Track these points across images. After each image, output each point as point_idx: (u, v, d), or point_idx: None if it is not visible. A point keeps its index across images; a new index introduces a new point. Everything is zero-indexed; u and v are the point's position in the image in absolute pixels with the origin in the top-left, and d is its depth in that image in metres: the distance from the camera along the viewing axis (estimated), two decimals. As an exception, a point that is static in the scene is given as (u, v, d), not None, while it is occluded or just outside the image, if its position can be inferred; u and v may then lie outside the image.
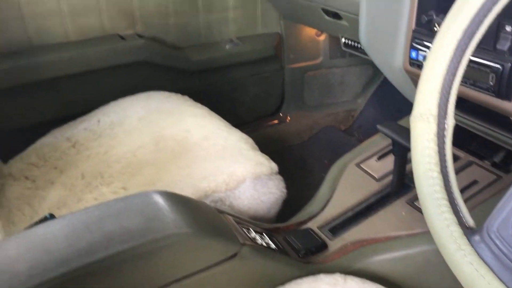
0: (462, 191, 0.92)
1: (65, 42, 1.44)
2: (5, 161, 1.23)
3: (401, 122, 0.97)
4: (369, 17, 1.00)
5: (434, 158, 0.53)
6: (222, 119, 1.29)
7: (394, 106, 1.70)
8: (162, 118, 1.27)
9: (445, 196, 0.52)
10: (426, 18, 0.90)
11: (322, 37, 1.81)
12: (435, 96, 0.53)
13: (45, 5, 1.37)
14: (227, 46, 1.67)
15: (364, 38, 1.02)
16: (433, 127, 0.53)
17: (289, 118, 1.91)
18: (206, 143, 1.14)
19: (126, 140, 1.21)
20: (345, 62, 1.88)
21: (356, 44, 1.45)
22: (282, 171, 1.10)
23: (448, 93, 0.53)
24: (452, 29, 0.52)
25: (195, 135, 1.18)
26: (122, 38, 1.49)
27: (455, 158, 1.02)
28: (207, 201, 0.97)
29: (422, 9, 0.91)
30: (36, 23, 1.38)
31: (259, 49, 1.73)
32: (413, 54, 0.95)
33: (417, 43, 0.94)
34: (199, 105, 1.37)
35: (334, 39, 1.77)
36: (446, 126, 0.53)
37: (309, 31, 1.78)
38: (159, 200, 0.71)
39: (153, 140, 1.19)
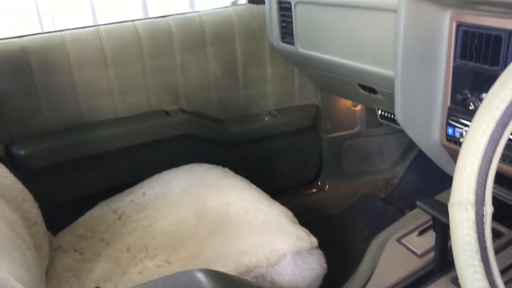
0: (506, 269, 0.90)
1: (114, 118, 1.53)
2: (55, 233, 1.29)
3: (441, 197, 0.97)
4: (404, 94, 1.03)
5: (474, 245, 0.53)
6: (261, 191, 1.32)
7: (433, 174, 1.69)
8: (203, 191, 1.31)
9: (487, 285, 0.52)
10: (460, 97, 0.93)
11: (359, 107, 1.85)
12: (472, 184, 0.54)
13: (98, 85, 1.48)
14: (266, 118, 1.73)
15: (400, 115, 1.05)
16: (471, 215, 0.54)
17: (327, 186, 1.92)
18: (247, 217, 1.16)
19: (170, 212, 1.26)
20: (382, 130, 1.91)
21: (392, 116, 1.48)
22: (322, 243, 1.11)
23: (485, 180, 0.54)
24: (485, 121, 0.54)
25: (235, 208, 1.21)
26: (166, 113, 1.58)
27: (498, 234, 1.01)
28: (249, 277, 0.99)
29: (456, 88, 0.94)
30: (88, 101, 1.49)
31: (297, 120, 1.78)
32: (450, 130, 0.97)
33: (453, 120, 0.96)
34: (239, 177, 1.41)
35: (370, 109, 1.81)
36: (484, 213, 0.54)
37: (346, 102, 1.83)
38: (204, 280, 0.73)
39: (195, 213, 1.23)
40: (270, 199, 1.26)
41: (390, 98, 1.14)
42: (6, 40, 1.40)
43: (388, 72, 1.12)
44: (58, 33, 1.44)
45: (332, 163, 1.91)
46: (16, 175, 1.16)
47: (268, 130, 1.73)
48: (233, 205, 1.22)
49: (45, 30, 1.78)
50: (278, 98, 1.77)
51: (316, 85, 1.78)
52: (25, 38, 1.41)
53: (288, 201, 1.37)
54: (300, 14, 1.43)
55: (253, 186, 1.35)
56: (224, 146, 1.68)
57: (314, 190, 1.91)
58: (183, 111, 1.61)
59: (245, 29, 1.63)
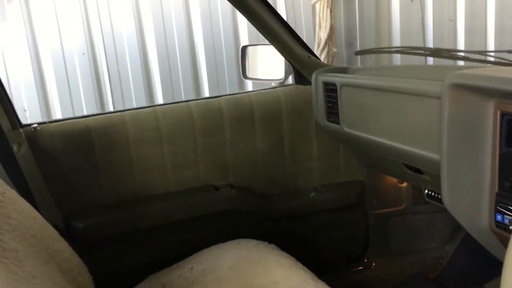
0: None
1: (166, 192, 1.60)
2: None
3: (490, 285, 0.95)
4: (450, 179, 1.04)
5: None
6: (307, 270, 1.32)
7: (484, 255, 1.64)
8: (250, 268, 1.33)
9: None
10: (508, 184, 0.93)
11: (405, 184, 1.84)
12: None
13: (153, 161, 1.57)
14: (312, 194, 1.75)
15: (447, 199, 1.05)
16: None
17: (374, 264, 1.89)
18: (294, 297, 1.17)
19: (217, 289, 1.27)
20: (430, 208, 1.88)
21: (439, 196, 1.47)
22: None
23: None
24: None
25: (282, 287, 1.21)
26: (216, 188, 1.64)
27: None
28: None
29: (504, 175, 0.95)
30: (143, 176, 1.57)
31: (343, 196, 1.79)
32: (499, 217, 0.97)
33: (501, 207, 0.96)
34: (285, 254, 1.42)
35: (417, 186, 1.80)
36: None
37: (392, 178, 1.84)
38: None
39: (242, 290, 1.24)
40: (316, 279, 1.26)
41: (436, 179, 1.15)
42: (71, 120, 1.53)
43: (433, 155, 1.14)
44: (119, 113, 1.56)
45: (379, 240, 1.88)
46: (73, 248, 1.23)
47: (314, 206, 1.75)
48: (279, 284, 1.23)
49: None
50: (324, 174, 1.80)
51: (362, 162, 1.80)
52: (89, 118, 1.54)
53: (334, 278, 1.36)
54: (345, 96, 1.49)
55: (299, 265, 1.35)
56: (270, 222, 1.70)
57: (361, 267, 1.88)
58: (232, 186, 1.67)
59: (292, 108, 1.71)
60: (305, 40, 1.70)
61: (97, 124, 1.52)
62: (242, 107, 1.66)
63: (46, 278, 1.06)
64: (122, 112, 1.57)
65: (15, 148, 1.39)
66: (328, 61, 3.11)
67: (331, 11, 3.10)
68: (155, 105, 1.63)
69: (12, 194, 1.10)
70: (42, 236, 1.12)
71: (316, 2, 3.10)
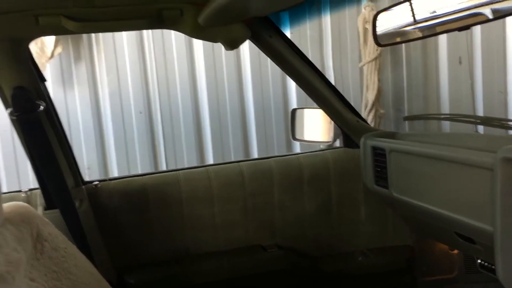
0: None
1: (215, 251, 1.63)
2: None
3: None
4: (505, 253, 1.02)
5: None
6: None
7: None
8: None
9: None
10: None
11: (456, 251, 1.80)
12: None
13: (203, 220, 1.62)
14: (359, 258, 1.74)
15: (502, 274, 1.03)
16: None
17: None
18: None
19: None
20: (484, 277, 1.81)
21: (494, 267, 1.43)
22: None
23: None
24: None
25: None
26: (263, 248, 1.66)
27: None
28: None
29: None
30: (194, 234, 1.62)
31: (391, 261, 1.77)
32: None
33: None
34: None
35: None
36: None
37: (442, 245, 1.80)
38: None
39: None
40: None
41: (490, 250, 1.13)
42: (129, 178, 1.62)
43: (486, 226, 1.12)
44: (174, 172, 1.64)
45: (429, 309, 1.82)
46: None
47: (361, 270, 1.73)
48: None
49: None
50: (372, 238, 1.79)
51: (411, 227, 1.78)
52: (146, 176, 1.62)
53: None
54: (394, 161, 1.51)
55: None
56: (317, 284, 1.69)
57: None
58: (279, 246, 1.68)
59: (340, 170, 1.73)
60: (352, 101, 1.75)
61: (152, 182, 1.60)
62: (291, 168, 1.70)
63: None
64: (177, 172, 1.64)
65: (77, 204, 1.48)
66: (375, 122, 3.14)
67: (378, 74, 3.16)
68: (208, 165, 1.70)
69: (73, 249, 1.17)
70: None
71: (364, 64, 3.18)
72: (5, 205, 1.05)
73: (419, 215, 1.51)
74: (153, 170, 2.95)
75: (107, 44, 2.84)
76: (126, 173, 2.90)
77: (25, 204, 1.14)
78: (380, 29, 1.41)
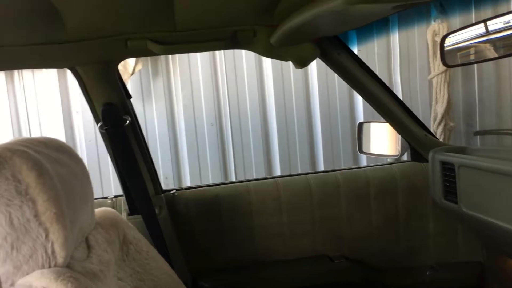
0: None
1: (283, 260, 1.70)
2: None
3: None
4: None
5: None
6: None
7: None
8: None
9: None
10: None
11: (531, 270, 1.74)
12: None
13: (272, 229, 1.69)
14: (428, 272, 1.73)
15: None
16: None
17: None
18: None
19: None
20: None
21: None
22: None
23: None
24: None
25: None
26: (330, 259, 1.70)
27: None
28: None
29: None
30: (263, 243, 1.69)
31: (461, 278, 1.75)
32: None
33: None
34: None
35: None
36: None
37: (516, 263, 1.75)
38: None
39: None
40: None
41: None
42: (204, 188, 1.72)
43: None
44: (244, 183, 1.73)
45: (501, 327, 1.78)
46: None
47: (429, 285, 1.73)
48: None
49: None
50: (441, 252, 1.78)
51: (482, 242, 1.75)
52: (219, 186, 1.72)
53: None
54: (464, 177, 1.50)
55: None
56: None
57: None
58: (346, 258, 1.72)
59: (408, 184, 1.74)
60: (420, 115, 1.76)
61: (225, 192, 1.70)
62: (358, 181, 1.73)
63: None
64: (247, 182, 1.73)
65: (157, 211, 1.60)
66: (444, 136, 3.08)
67: (448, 86, 3.11)
68: (276, 177, 1.77)
69: (154, 253, 1.28)
70: None
71: (433, 77, 3.14)
72: (96, 210, 1.18)
73: (489, 231, 1.50)
74: (223, 180, 3.08)
75: (182, 61, 3.01)
76: (198, 182, 3.05)
77: (113, 210, 1.27)
78: (448, 49, 1.43)
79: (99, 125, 1.50)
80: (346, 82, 1.62)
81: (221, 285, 1.64)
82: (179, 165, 3.08)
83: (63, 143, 1.06)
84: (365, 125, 1.98)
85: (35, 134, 2.94)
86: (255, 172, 3.11)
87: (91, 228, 1.08)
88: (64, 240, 0.85)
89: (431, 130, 2.19)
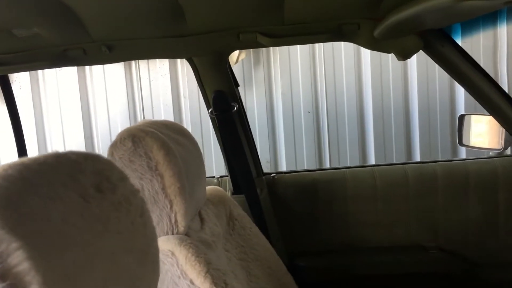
0: None
1: (377, 246, 1.75)
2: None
3: None
4: None
5: None
6: None
7: None
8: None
9: None
10: None
11: None
12: None
13: (367, 216, 1.74)
14: (528, 270, 1.69)
15: None
16: None
17: None
18: None
19: None
20: None
21: None
22: None
23: None
24: None
25: None
26: (425, 249, 1.72)
27: None
28: None
29: None
30: (357, 229, 1.75)
31: None
32: None
33: None
34: None
35: None
36: None
37: None
38: None
39: None
40: None
41: None
42: (301, 172, 1.82)
43: None
44: (341, 170, 1.79)
45: None
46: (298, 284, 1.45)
47: None
48: None
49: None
50: None
51: None
52: (316, 172, 1.80)
53: None
54: None
55: None
56: None
57: None
58: (441, 249, 1.72)
59: (510, 179, 1.70)
60: None
61: (321, 178, 1.77)
62: (457, 174, 1.72)
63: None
64: (344, 169, 1.79)
65: (258, 191, 1.72)
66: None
67: None
68: (373, 165, 1.81)
69: (256, 230, 1.40)
70: (276, 268, 1.37)
71: (546, 68, 2.94)
72: (206, 188, 1.31)
73: None
74: (318, 167, 3.15)
75: (282, 51, 3.11)
76: (293, 168, 3.15)
77: (221, 188, 1.40)
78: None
79: (209, 110, 1.63)
80: (448, 74, 1.61)
81: (316, 266, 1.72)
82: (276, 151, 3.20)
83: (181, 126, 1.21)
84: (466, 117, 1.95)
85: (149, 117, 3.23)
86: (350, 160, 3.14)
87: (203, 203, 1.22)
88: (185, 211, 0.98)
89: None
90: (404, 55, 1.42)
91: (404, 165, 1.78)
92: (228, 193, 1.75)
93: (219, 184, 1.82)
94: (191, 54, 1.51)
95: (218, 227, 1.21)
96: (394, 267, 1.71)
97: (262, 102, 3.16)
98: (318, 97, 3.14)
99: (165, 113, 3.19)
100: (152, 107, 3.21)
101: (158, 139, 0.98)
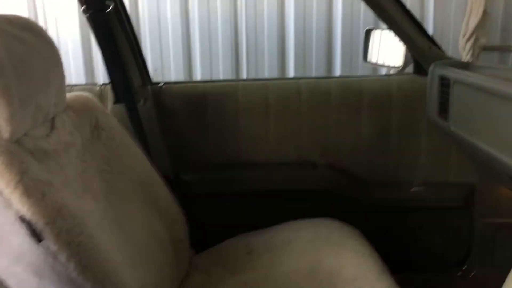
0: None
1: (266, 162, 1.70)
2: (197, 252, 1.48)
3: None
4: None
5: None
6: (381, 263, 1.30)
7: None
8: (324, 248, 1.37)
9: None
10: None
11: (521, 196, 1.68)
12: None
13: (258, 131, 1.67)
14: (413, 189, 1.70)
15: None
16: None
17: (472, 274, 1.77)
18: (353, 284, 1.19)
19: (288, 260, 1.35)
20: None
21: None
22: None
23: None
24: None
25: (346, 272, 1.24)
26: (314, 166, 1.68)
27: None
28: None
29: None
30: (248, 143, 1.69)
31: (448, 198, 1.71)
32: None
33: None
34: (365, 242, 1.41)
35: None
36: None
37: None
38: None
39: (309, 267, 1.29)
40: (383, 272, 1.25)
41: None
42: (192, 84, 1.70)
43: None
44: (233, 82, 1.69)
45: (483, 250, 1.76)
46: (177, 198, 1.39)
47: (413, 203, 1.70)
48: (345, 268, 1.26)
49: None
50: (431, 171, 1.72)
51: (474, 164, 1.68)
52: (207, 84, 1.69)
53: (422, 284, 1.30)
54: (456, 93, 1.41)
55: (375, 255, 1.35)
56: (363, 209, 1.70)
57: (454, 276, 1.77)
58: (331, 167, 1.70)
59: (404, 98, 1.65)
60: (452, 29, 1.60)
61: (213, 90, 1.67)
62: (351, 90, 1.66)
63: (144, 218, 1.24)
64: (236, 82, 1.69)
65: (141, 102, 1.60)
66: (473, 53, 2.85)
67: (488, -5, 2.82)
68: (266, 79, 1.73)
69: (128, 140, 1.29)
70: (148, 182, 1.30)
71: (472, -16, 2.84)
72: (69, 95, 1.18)
73: (476, 154, 1.43)
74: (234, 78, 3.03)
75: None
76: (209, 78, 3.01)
77: (89, 95, 1.26)
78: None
79: (82, 8, 1.46)
80: None
81: (202, 179, 1.67)
82: (190, 61, 3.02)
83: (32, 22, 1.04)
84: (372, 32, 1.86)
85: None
86: (268, 72, 3.02)
87: (58, 110, 1.09)
88: (10, 116, 0.86)
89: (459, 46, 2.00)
90: None
91: (298, 80, 1.69)
92: (110, 103, 1.62)
93: (100, 92, 1.68)
94: None
95: (74, 136, 1.10)
96: (282, 183, 1.68)
97: (176, 6, 2.94)
98: (237, 6, 2.94)
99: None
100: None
101: None
